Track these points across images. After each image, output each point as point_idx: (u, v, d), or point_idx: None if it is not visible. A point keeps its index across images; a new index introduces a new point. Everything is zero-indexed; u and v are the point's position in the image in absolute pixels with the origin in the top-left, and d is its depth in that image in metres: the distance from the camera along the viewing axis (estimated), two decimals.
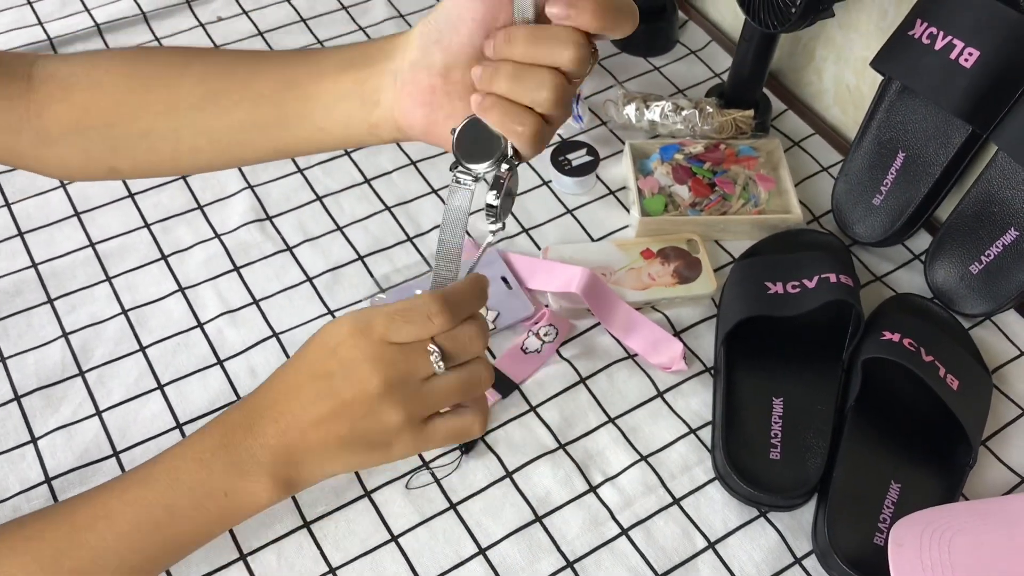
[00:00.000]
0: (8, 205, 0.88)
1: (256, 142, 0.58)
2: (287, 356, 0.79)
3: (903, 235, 0.89)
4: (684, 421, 0.78)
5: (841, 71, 0.99)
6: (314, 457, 0.51)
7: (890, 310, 0.83)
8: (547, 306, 0.83)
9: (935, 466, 0.75)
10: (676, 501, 0.74)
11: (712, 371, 0.81)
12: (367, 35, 1.06)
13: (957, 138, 0.82)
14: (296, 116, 0.56)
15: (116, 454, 0.73)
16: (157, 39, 1.03)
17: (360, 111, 0.54)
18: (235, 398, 0.77)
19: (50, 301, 0.82)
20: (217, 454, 0.51)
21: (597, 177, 0.93)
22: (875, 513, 0.72)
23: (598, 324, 0.83)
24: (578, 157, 0.92)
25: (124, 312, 0.81)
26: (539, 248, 0.88)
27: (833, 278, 0.79)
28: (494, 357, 0.80)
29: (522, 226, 0.90)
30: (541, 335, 0.80)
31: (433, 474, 0.74)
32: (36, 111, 0.58)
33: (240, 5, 1.08)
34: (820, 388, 0.78)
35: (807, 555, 0.72)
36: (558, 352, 0.81)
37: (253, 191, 0.90)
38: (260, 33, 1.05)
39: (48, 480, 0.72)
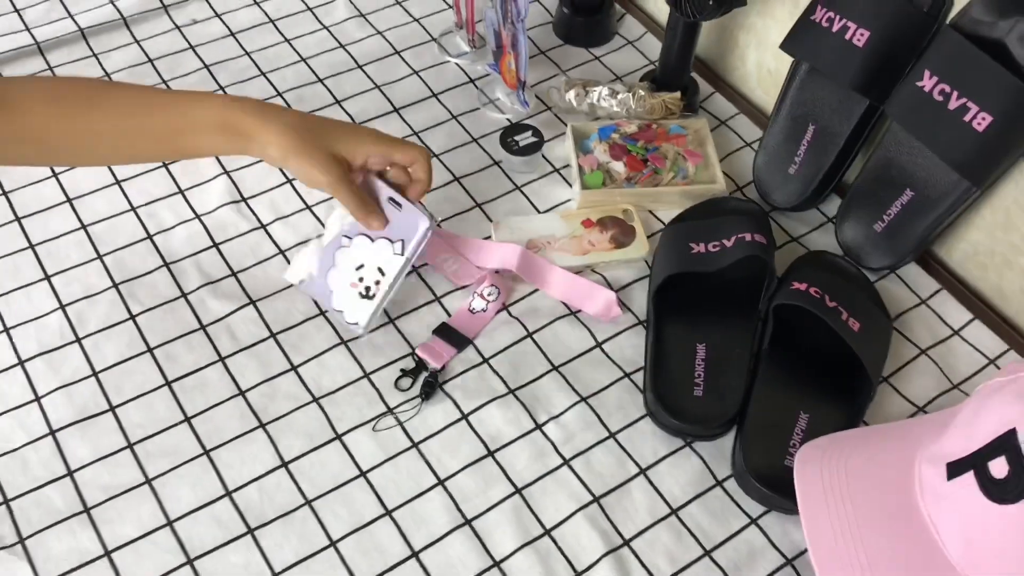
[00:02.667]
0: (5, 193, 0.96)
1: (157, 160, 0.88)
2: (264, 322, 0.88)
3: (816, 200, 0.99)
4: (619, 367, 0.88)
5: (762, 56, 1.09)
6: None
7: (802, 265, 0.92)
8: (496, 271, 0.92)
9: (840, 399, 0.85)
10: (612, 435, 0.83)
11: (644, 323, 0.91)
12: (331, 34, 1.15)
13: (857, 110, 0.93)
14: (186, 152, 0.78)
15: (112, 409, 0.82)
16: (137, 42, 1.12)
17: (236, 153, 0.77)
18: (217, 359, 0.86)
19: (47, 278, 0.90)
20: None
21: (543, 156, 1.03)
22: (786, 440, 0.82)
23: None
24: (524, 138, 1.01)
25: (115, 286, 0.90)
26: (491, 220, 0.97)
27: (748, 237, 0.89)
28: (449, 315, 0.89)
29: (475, 201, 0.99)
30: (485, 295, 0.90)
31: (396, 418, 0.83)
32: None
33: (213, 8, 1.16)
34: (738, 335, 0.88)
35: (727, 478, 0.82)
36: (507, 311, 0.91)
37: (229, 176, 0.99)
38: (232, 34, 1.14)
39: (52, 432, 0.80)
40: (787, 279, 0.88)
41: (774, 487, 0.78)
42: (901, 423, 0.82)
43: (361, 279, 0.85)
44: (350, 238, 0.85)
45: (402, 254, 0.83)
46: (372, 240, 0.84)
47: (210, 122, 0.74)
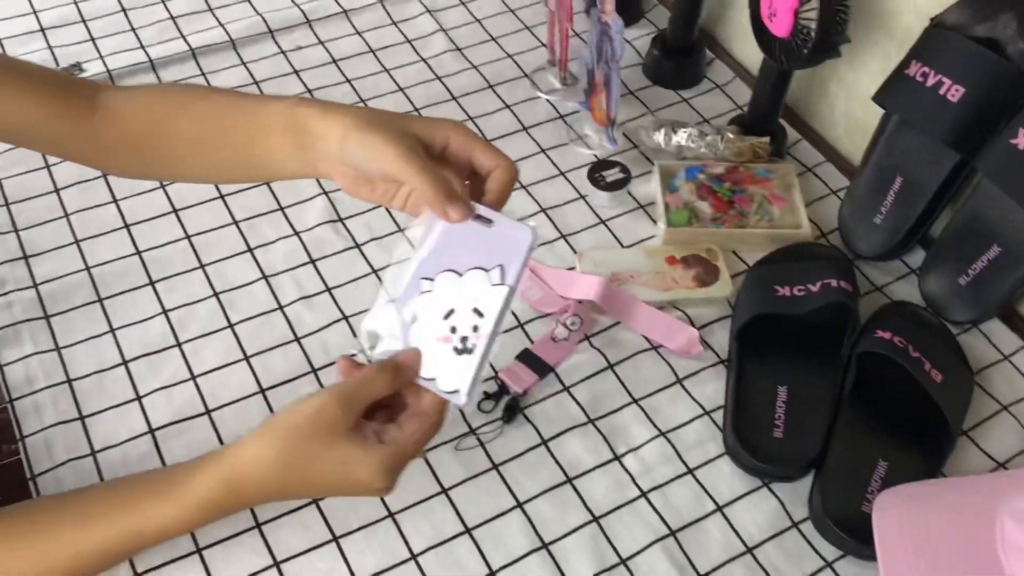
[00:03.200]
0: (116, 201, 1.01)
1: (239, 175, 0.78)
2: (355, 336, 0.91)
3: (900, 250, 1.00)
4: (699, 404, 0.89)
5: (850, 106, 1.10)
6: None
7: (885, 314, 0.93)
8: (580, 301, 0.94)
9: (919, 449, 0.85)
10: (690, 471, 0.85)
11: (726, 362, 0.92)
12: (428, 66, 1.19)
13: (947, 164, 0.93)
14: (262, 164, 0.68)
15: (208, 412, 0.85)
16: (244, 63, 1.17)
17: (304, 168, 0.66)
18: (310, 370, 0.89)
19: (152, 283, 0.94)
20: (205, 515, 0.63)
21: (628, 193, 1.05)
22: (864, 486, 0.82)
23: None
24: (612, 174, 1.04)
25: (216, 295, 0.94)
26: (575, 252, 1.00)
27: (834, 283, 0.90)
28: (531, 342, 0.92)
29: (560, 232, 1.02)
30: (568, 324, 0.92)
31: (479, 438, 0.85)
32: (96, 133, 0.72)
33: (316, 36, 1.21)
34: (820, 379, 0.89)
35: (803, 520, 0.82)
36: (589, 342, 0.92)
37: (327, 196, 1.03)
38: (334, 61, 1.18)
39: (151, 431, 0.84)
40: (871, 327, 0.89)
41: (851, 532, 0.79)
42: (982, 477, 0.82)
43: (453, 329, 0.63)
44: (431, 279, 0.63)
45: (503, 282, 0.63)
46: (460, 274, 0.63)
47: (277, 122, 0.65)
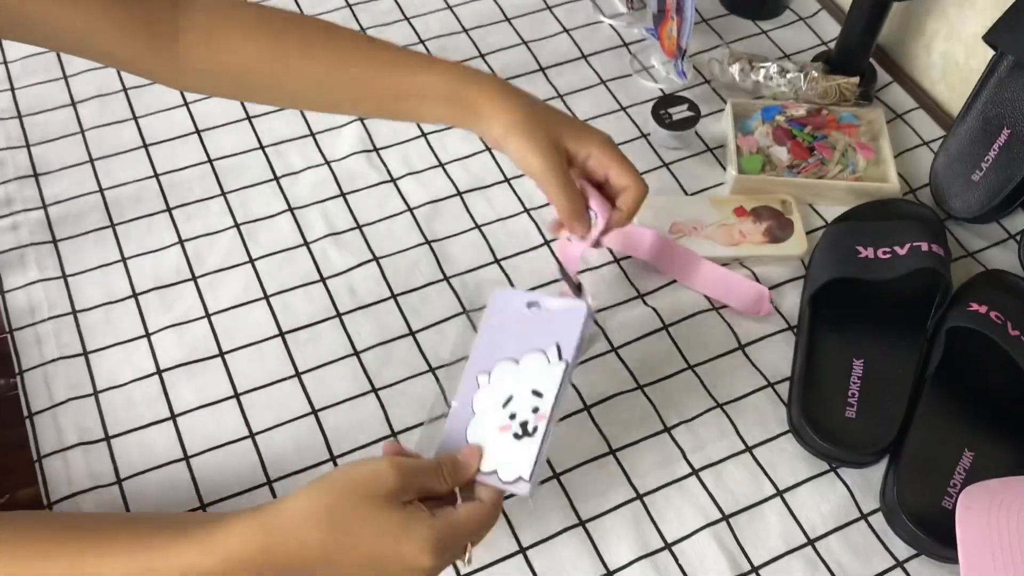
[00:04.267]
0: (135, 119, 0.93)
1: (364, 116, 0.82)
2: (386, 280, 0.83)
3: (999, 213, 0.89)
4: (762, 374, 0.80)
5: (951, 47, 0.98)
6: None
7: (979, 284, 0.83)
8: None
9: (1011, 439, 0.75)
10: (748, 449, 0.76)
11: (795, 329, 0.82)
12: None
13: None
14: (404, 117, 0.71)
15: (222, 355, 0.78)
16: None
17: (458, 127, 0.70)
18: (335, 314, 0.81)
19: (168, 210, 0.87)
20: None
21: (696, 133, 0.95)
22: (946, 477, 0.73)
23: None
24: (679, 112, 0.93)
25: (236, 226, 0.86)
26: None
27: (925, 247, 0.79)
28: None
29: None
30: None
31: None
32: (177, 53, 0.66)
33: None
34: (902, 353, 0.79)
35: (873, 512, 0.73)
36: (643, 299, 0.83)
37: (363, 123, 0.94)
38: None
39: (159, 372, 0.77)
40: (963, 298, 0.79)
41: (928, 529, 0.70)
42: None
43: (513, 416, 0.61)
44: (488, 373, 0.64)
45: (560, 359, 0.62)
46: (517, 361, 0.63)
47: (440, 91, 0.67)
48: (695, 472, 0.74)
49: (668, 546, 0.71)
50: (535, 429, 0.61)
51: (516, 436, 0.61)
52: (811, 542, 0.72)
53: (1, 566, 0.54)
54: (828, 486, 0.74)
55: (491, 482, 0.60)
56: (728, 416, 0.77)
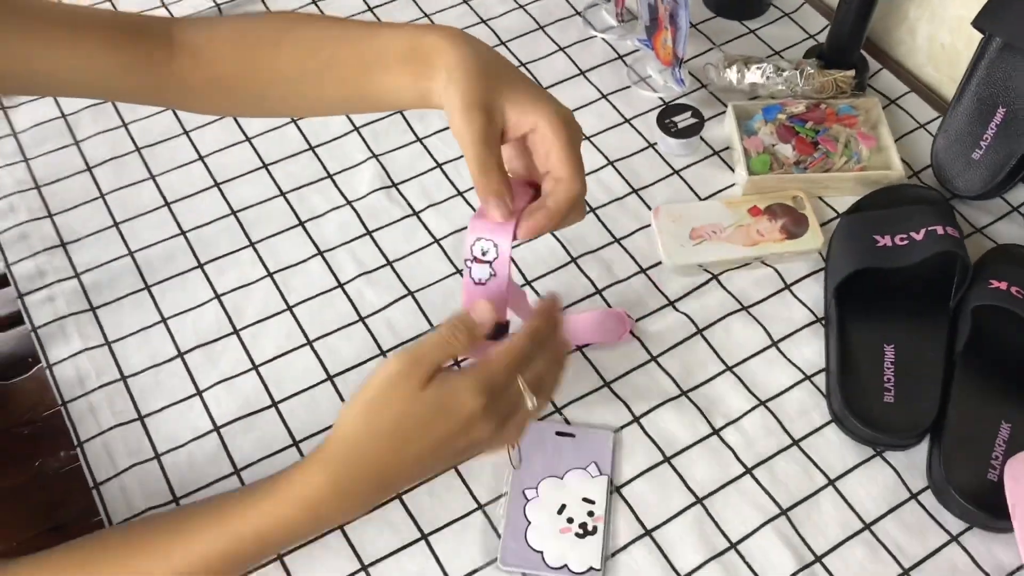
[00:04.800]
0: (153, 177, 0.94)
1: (342, 107, 0.74)
2: (424, 314, 0.85)
3: (1002, 188, 0.92)
4: (799, 368, 0.83)
5: (935, 29, 1.01)
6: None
7: (994, 260, 0.86)
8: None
9: None
10: (795, 442, 0.79)
11: (823, 321, 0.85)
12: (472, 8, 1.10)
13: None
14: (371, 96, 0.65)
15: (275, 404, 0.80)
16: None
17: (420, 102, 0.63)
18: (379, 352, 0.82)
19: (200, 266, 0.88)
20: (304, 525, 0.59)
21: (701, 138, 0.97)
22: (987, 451, 0.76)
23: (711, 280, 0.87)
24: (683, 119, 0.95)
25: (269, 275, 0.87)
26: (649, 208, 0.92)
27: (940, 230, 0.82)
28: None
29: (631, 186, 0.94)
30: (481, 256, 0.61)
31: (564, 417, 0.79)
32: (178, 74, 0.67)
33: None
34: (930, 335, 0.82)
35: (922, 491, 0.76)
36: (673, 306, 0.86)
37: (378, 160, 0.95)
38: (370, 8, 1.09)
39: (216, 428, 0.78)
40: (982, 276, 0.82)
41: (978, 502, 0.73)
42: None
43: (571, 520, 0.73)
44: (534, 488, 0.74)
45: (601, 474, 0.75)
46: (560, 477, 0.75)
47: (399, 49, 0.61)
48: (748, 471, 0.77)
49: (733, 546, 0.73)
50: (596, 528, 0.72)
51: (578, 535, 0.72)
52: (867, 526, 0.74)
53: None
54: (876, 470, 0.77)
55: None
56: (772, 412, 0.80)
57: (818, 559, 0.73)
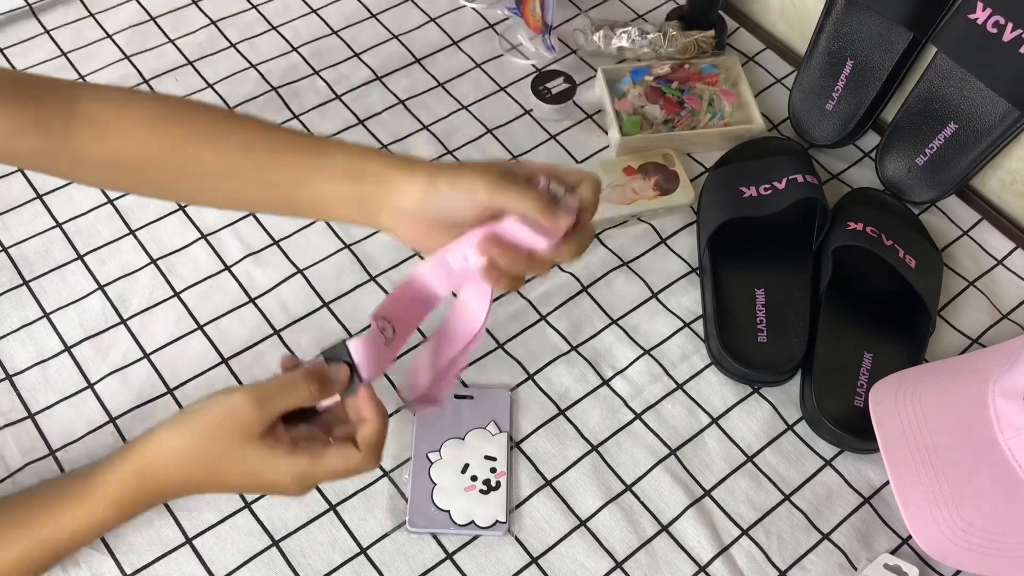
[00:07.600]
0: (21, 170, 0.91)
1: (266, 209, 0.72)
2: (315, 290, 0.85)
3: (855, 136, 0.99)
4: (678, 316, 0.87)
5: None
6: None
7: (850, 203, 0.92)
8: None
9: (901, 336, 0.85)
10: (679, 386, 0.83)
11: (698, 271, 0.90)
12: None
13: (900, 44, 0.92)
14: (304, 205, 0.64)
15: (171, 391, 0.79)
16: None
17: (360, 217, 0.63)
18: (272, 332, 0.83)
19: (80, 257, 0.86)
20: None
21: (574, 103, 1.00)
22: (853, 380, 0.82)
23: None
24: (556, 85, 0.98)
25: (153, 262, 0.86)
26: None
27: (800, 178, 0.88)
28: None
29: (511, 153, 0.97)
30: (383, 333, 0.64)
31: (461, 381, 0.81)
32: (73, 147, 0.63)
33: None
34: (796, 277, 0.88)
35: (797, 421, 0.82)
36: (559, 266, 0.89)
37: (351, 250, 0.90)
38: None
39: (112, 419, 0.77)
40: (840, 219, 0.88)
41: (847, 428, 0.79)
42: (966, 357, 0.83)
43: (474, 478, 0.75)
44: (437, 451, 0.77)
45: (501, 431, 0.78)
46: (462, 438, 0.77)
47: (342, 166, 0.62)
48: (638, 416, 0.81)
49: (628, 488, 0.77)
50: (498, 484, 0.76)
51: (483, 492, 0.75)
52: (750, 459, 0.80)
53: None
54: (755, 406, 0.83)
55: (470, 535, 0.74)
56: (656, 360, 0.84)
57: (707, 493, 0.78)
